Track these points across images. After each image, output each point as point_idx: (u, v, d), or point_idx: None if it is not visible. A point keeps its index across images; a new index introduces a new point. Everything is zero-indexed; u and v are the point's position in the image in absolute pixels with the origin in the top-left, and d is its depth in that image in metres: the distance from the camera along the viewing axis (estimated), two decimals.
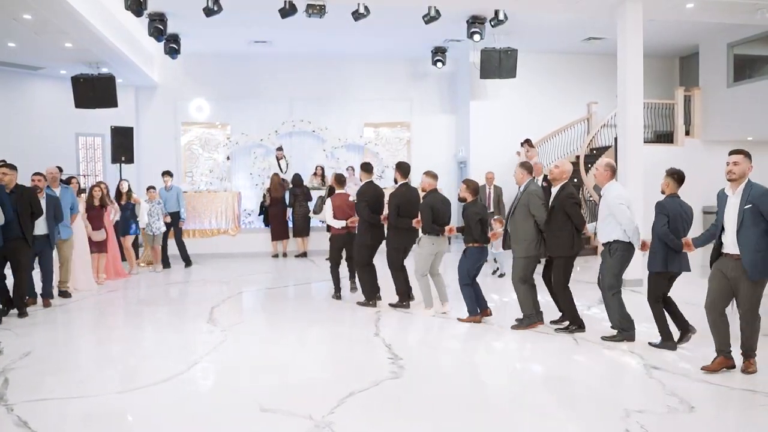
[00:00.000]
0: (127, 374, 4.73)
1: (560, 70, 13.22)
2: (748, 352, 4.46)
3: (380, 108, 13.77)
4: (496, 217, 8.58)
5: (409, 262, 6.78)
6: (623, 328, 5.39)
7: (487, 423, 3.72)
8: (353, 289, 7.66)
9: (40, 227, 6.71)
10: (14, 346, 5.37)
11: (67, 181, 8.05)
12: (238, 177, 13.29)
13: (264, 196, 11.57)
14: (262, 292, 8.26)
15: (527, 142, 11.04)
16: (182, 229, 10.30)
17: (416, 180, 7.47)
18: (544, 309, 6.01)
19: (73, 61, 11.15)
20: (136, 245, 9.77)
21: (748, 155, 4.39)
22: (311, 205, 11.32)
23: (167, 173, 10.24)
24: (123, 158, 11.48)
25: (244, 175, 13.24)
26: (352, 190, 8.48)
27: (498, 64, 11.39)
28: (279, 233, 11.33)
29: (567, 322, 5.81)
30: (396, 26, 10.82)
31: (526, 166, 5.98)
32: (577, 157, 12.04)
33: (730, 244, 4.40)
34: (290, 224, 11.42)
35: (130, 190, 9.47)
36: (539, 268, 5.99)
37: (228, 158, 13.13)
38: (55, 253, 7.36)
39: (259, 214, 11.89)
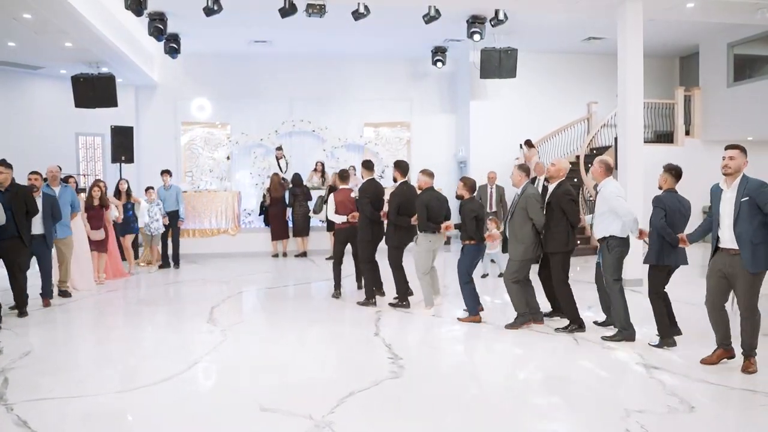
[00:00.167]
0: (126, 374, 4.72)
1: (560, 70, 13.22)
2: (749, 351, 4.46)
3: (380, 108, 13.77)
4: (490, 217, 8.57)
5: (407, 261, 6.80)
6: (623, 327, 5.40)
7: (487, 423, 3.72)
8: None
9: (37, 227, 6.68)
10: (14, 345, 5.37)
11: (65, 180, 8.05)
12: (238, 176, 13.29)
13: (264, 195, 11.58)
14: (262, 292, 8.26)
15: (527, 142, 11.04)
16: (180, 229, 10.26)
17: (415, 179, 7.48)
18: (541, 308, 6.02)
19: (73, 60, 11.15)
20: (135, 245, 9.77)
21: (743, 150, 4.44)
22: (311, 204, 11.33)
23: (166, 172, 10.23)
24: (123, 158, 11.47)
25: (244, 175, 13.24)
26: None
27: (498, 64, 11.39)
28: (279, 233, 11.33)
29: (567, 322, 5.81)
30: (396, 26, 10.81)
31: (524, 168, 5.97)
32: (577, 157, 12.04)
33: (727, 239, 4.43)
34: (290, 224, 11.42)
35: (129, 190, 9.47)
36: (534, 267, 6.01)
37: (228, 158, 13.13)
38: (54, 252, 7.37)
39: (259, 214, 11.89)
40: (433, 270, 6.72)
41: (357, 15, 8.79)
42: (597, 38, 11.92)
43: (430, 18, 9.14)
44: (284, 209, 11.37)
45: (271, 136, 13.20)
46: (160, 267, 9.93)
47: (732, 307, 4.77)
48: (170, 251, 10.10)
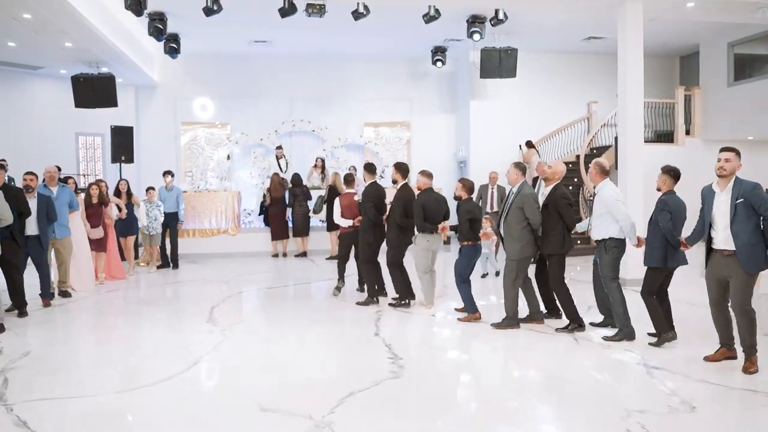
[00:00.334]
0: (126, 374, 4.72)
1: (560, 70, 13.21)
2: (749, 349, 4.46)
3: (380, 108, 13.77)
4: (486, 216, 8.57)
5: (408, 262, 6.81)
6: (623, 326, 5.41)
7: (487, 423, 3.72)
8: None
9: (32, 227, 6.63)
10: (14, 345, 5.37)
11: (64, 181, 8.03)
12: (238, 176, 13.29)
13: (264, 195, 11.57)
14: (262, 292, 8.25)
15: (528, 143, 11.04)
16: (178, 230, 10.23)
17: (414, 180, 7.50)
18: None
19: (73, 60, 11.15)
20: (135, 245, 9.76)
21: (738, 153, 4.49)
22: (311, 204, 11.32)
23: (168, 173, 10.23)
24: (123, 158, 11.47)
25: (244, 175, 13.23)
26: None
27: (498, 64, 11.38)
28: (279, 233, 11.33)
29: (565, 322, 5.81)
30: (396, 26, 10.81)
31: (520, 167, 5.97)
32: (577, 157, 12.04)
33: (721, 240, 4.47)
34: (290, 224, 11.42)
35: (129, 190, 9.45)
36: (531, 268, 6.03)
37: (228, 157, 13.13)
38: (53, 253, 7.36)
39: (259, 214, 11.89)
40: (433, 273, 6.76)
41: (357, 15, 8.79)
42: (597, 38, 11.91)
43: (430, 18, 9.13)
44: (284, 209, 11.36)
45: (271, 136, 13.19)
46: (159, 267, 9.93)
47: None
48: (169, 252, 10.09)
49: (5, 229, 6.08)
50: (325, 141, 13.42)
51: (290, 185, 11.45)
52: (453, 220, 6.55)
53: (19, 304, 6.47)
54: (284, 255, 11.37)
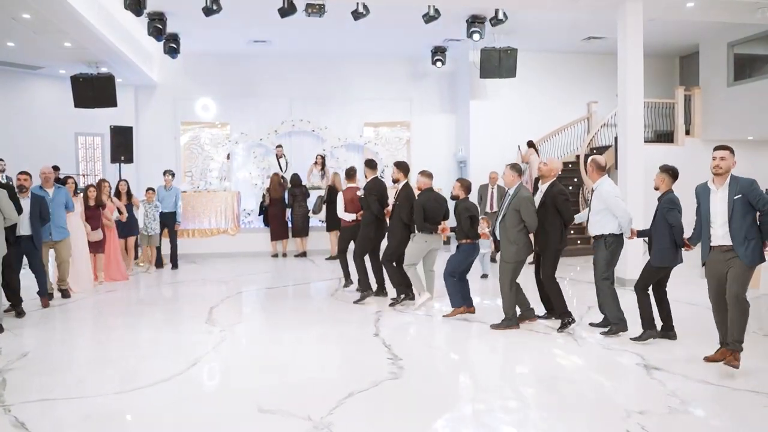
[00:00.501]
0: (125, 374, 4.71)
1: (560, 70, 13.19)
2: (735, 344, 4.45)
3: (380, 108, 13.74)
4: (482, 216, 8.55)
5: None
6: (617, 318, 5.49)
7: (486, 423, 3.71)
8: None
9: (25, 227, 6.58)
10: (12, 346, 5.36)
11: (63, 181, 8.00)
12: (238, 176, 13.28)
13: (264, 195, 11.57)
14: (261, 292, 8.25)
15: (529, 143, 11.03)
16: (177, 231, 10.20)
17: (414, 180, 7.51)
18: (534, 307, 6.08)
19: (72, 60, 11.13)
20: (135, 246, 9.75)
21: (732, 151, 4.55)
22: (310, 204, 11.32)
23: (169, 172, 10.22)
24: (122, 158, 11.45)
25: (243, 175, 13.22)
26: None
27: (498, 64, 11.36)
28: (278, 233, 11.32)
29: (560, 321, 5.82)
30: (396, 26, 10.79)
31: (516, 168, 5.97)
32: (577, 157, 12.04)
33: (719, 236, 4.52)
34: (290, 224, 11.41)
35: (129, 191, 9.42)
36: (529, 268, 6.05)
37: (228, 157, 13.12)
38: (52, 253, 7.34)
39: (259, 214, 11.89)
40: (432, 273, 6.84)
41: (357, 15, 8.78)
42: (597, 38, 11.89)
43: (429, 18, 9.13)
44: (284, 209, 11.35)
45: (271, 136, 13.17)
46: (156, 267, 9.90)
47: None
48: (168, 252, 10.07)
49: None
50: (325, 141, 13.40)
51: (290, 185, 11.45)
52: (452, 220, 6.55)
53: (14, 302, 6.45)
54: (284, 255, 11.37)
